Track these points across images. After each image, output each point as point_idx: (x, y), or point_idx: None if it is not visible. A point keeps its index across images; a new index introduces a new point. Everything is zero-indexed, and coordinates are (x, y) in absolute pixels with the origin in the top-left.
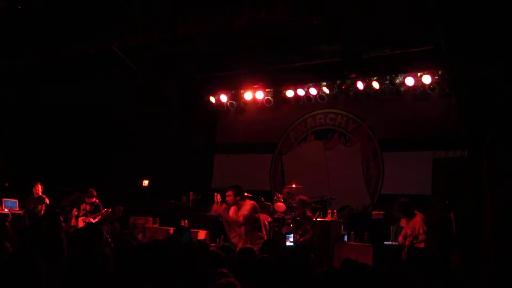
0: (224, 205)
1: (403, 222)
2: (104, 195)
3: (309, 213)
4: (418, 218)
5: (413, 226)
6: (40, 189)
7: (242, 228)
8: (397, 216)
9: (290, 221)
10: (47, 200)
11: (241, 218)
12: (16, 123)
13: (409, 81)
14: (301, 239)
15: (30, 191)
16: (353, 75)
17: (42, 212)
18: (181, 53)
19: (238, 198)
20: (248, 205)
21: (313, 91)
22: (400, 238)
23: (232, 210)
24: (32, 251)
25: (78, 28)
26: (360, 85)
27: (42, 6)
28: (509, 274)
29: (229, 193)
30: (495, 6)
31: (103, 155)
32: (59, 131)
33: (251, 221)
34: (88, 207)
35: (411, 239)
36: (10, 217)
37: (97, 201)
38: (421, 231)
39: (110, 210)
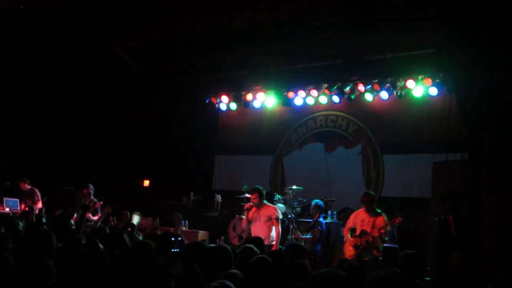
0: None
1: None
2: (105, 196)
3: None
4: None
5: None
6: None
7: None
8: None
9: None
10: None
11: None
12: (16, 123)
13: (410, 84)
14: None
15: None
16: (354, 78)
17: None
18: (183, 54)
19: (262, 200)
20: (271, 208)
21: (314, 93)
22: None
23: (251, 211)
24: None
25: (80, 29)
26: (361, 87)
27: (43, 7)
28: (508, 277)
29: (255, 195)
30: (495, 10)
31: (103, 155)
32: (60, 130)
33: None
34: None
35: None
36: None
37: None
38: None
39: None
